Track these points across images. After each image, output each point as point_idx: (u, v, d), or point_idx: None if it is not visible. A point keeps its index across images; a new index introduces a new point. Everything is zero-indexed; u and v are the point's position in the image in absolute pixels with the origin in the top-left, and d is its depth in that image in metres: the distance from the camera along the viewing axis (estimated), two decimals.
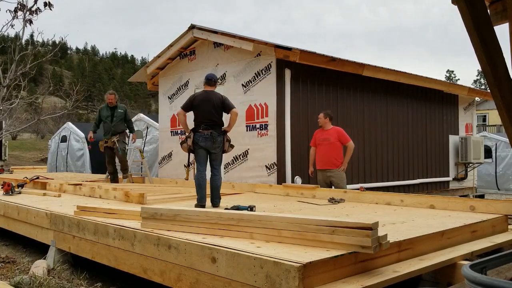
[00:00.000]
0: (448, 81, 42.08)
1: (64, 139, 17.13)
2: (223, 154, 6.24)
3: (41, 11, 6.67)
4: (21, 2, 6.61)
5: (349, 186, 9.10)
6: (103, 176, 11.74)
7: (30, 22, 6.70)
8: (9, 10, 6.60)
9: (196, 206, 5.78)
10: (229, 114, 6.10)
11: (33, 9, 6.63)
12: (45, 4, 6.59)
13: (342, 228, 3.23)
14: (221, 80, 9.55)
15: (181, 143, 6.37)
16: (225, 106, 6.09)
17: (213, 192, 6.06)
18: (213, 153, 6.06)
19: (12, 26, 6.69)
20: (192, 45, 10.25)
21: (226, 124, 6.22)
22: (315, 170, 7.92)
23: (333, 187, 7.70)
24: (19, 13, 6.64)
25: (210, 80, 6.29)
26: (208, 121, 6.00)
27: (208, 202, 6.04)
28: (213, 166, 6.14)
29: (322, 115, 7.86)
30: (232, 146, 6.23)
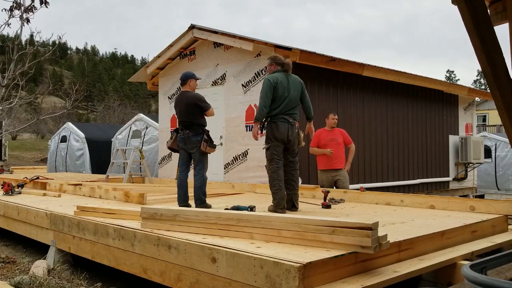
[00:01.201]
0: (448, 81, 42.10)
1: (64, 139, 17.14)
2: (208, 154, 6.00)
3: (36, 9, 6.67)
4: (17, 0, 6.60)
5: (349, 186, 9.10)
6: (103, 176, 11.74)
7: (27, 21, 6.70)
8: (5, 9, 6.60)
9: (179, 206, 5.78)
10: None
11: (29, 7, 6.63)
12: (41, 2, 6.58)
13: (342, 228, 3.23)
14: (221, 80, 9.56)
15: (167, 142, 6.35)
16: (201, 108, 5.90)
17: (194, 193, 5.88)
18: (191, 153, 5.96)
19: (8, 25, 6.69)
20: (192, 45, 10.26)
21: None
22: (317, 171, 7.90)
23: (335, 187, 7.65)
24: (15, 11, 6.64)
25: (181, 80, 6.16)
26: (182, 122, 5.93)
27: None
28: (194, 166, 6.01)
29: (336, 116, 7.76)
30: (213, 147, 5.92)
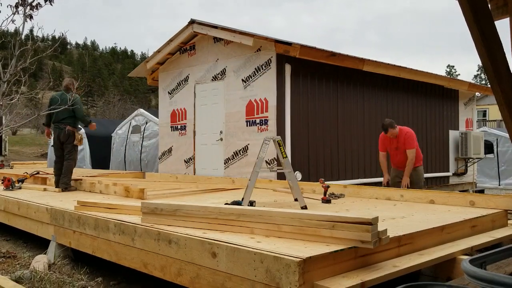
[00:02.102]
0: (449, 76, 42.04)
1: None
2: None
3: (41, 6, 6.65)
4: None
5: (348, 181, 9.12)
6: (103, 171, 11.75)
7: (31, 17, 6.68)
8: (10, 6, 6.58)
9: None
10: None
11: (34, 4, 6.61)
12: None
13: (342, 223, 3.23)
14: (221, 75, 9.55)
15: None
16: None
17: None
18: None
19: (13, 21, 6.67)
20: (192, 40, 10.23)
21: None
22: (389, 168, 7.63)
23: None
24: (20, 8, 6.62)
25: None
26: None
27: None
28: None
29: (391, 130, 7.23)
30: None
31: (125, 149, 14.60)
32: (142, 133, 14.14)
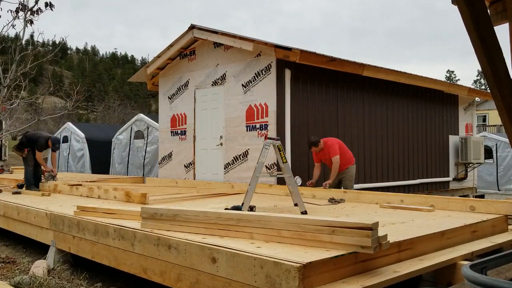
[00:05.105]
0: (448, 81, 42.08)
1: (65, 139, 17.16)
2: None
3: (42, 11, 6.67)
4: (22, 2, 6.61)
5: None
6: (103, 176, 11.74)
7: (31, 22, 6.70)
8: (10, 10, 6.60)
9: None
10: None
11: (34, 9, 6.63)
12: (46, 4, 6.59)
13: (342, 228, 3.23)
14: (221, 80, 9.56)
15: None
16: None
17: None
18: None
19: (13, 26, 6.69)
20: (192, 45, 10.25)
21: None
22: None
23: (342, 187, 7.95)
24: (20, 13, 6.64)
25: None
26: None
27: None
28: None
29: (314, 148, 7.90)
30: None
31: (129, 154, 14.61)
32: (146, 138, 14.15)
